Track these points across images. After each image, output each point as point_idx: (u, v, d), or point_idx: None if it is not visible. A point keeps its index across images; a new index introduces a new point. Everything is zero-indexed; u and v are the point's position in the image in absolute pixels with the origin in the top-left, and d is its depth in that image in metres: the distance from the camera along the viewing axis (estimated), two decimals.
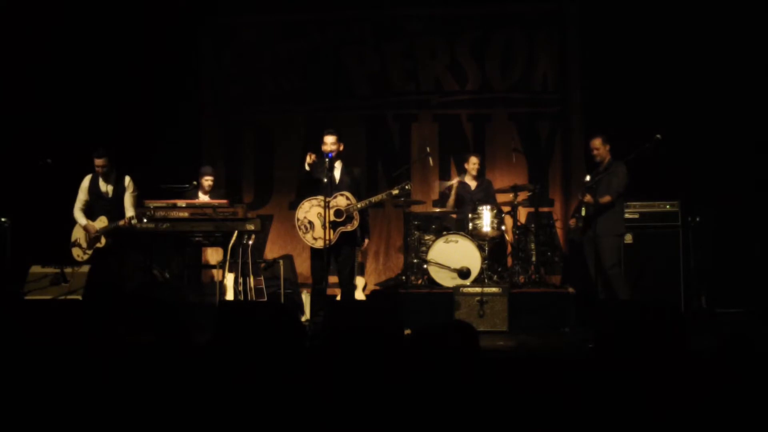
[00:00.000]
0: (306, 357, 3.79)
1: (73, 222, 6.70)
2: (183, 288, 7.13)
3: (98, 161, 6.56)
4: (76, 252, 6.68)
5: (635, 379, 2.82)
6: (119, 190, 6.64)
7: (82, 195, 6.68)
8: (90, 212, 6.67)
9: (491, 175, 8.13)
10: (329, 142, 6.03)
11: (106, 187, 6.65)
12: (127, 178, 6.68)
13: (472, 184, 7.72)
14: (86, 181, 6.68)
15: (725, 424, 2.58)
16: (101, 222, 6.56)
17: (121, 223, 6.43)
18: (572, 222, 6.60)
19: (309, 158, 5.98)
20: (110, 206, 6.60)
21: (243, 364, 3.19)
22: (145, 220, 6.22)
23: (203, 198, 7.20)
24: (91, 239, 6.59)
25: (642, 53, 7.66)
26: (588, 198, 6.20)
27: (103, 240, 6.56)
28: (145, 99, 8.18)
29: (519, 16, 8.55)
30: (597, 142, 6.42)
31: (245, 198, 8.67)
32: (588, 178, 6.38)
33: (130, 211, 6.56)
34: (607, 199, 6.19)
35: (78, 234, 6.69)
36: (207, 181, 7.35)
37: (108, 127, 7.78)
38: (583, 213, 6.26)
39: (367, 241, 7.00)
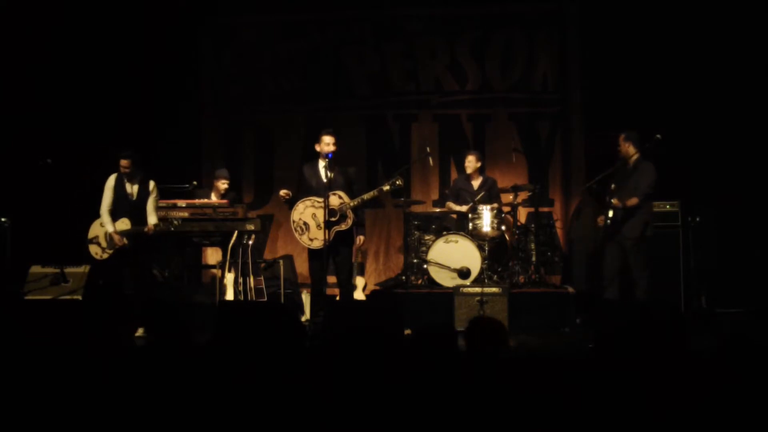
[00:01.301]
0: (306, 357, 3.79)
1: (86, 219, 6.58)
2: (183, 288, 7.14)
3: (123, 162, 6.39)
4: (94, 249, 6.55)
5: (635, 379, 2.82)
6: (143, 193, 6.50)
7: (109, 194, 6.46)
8: (113, 213, 6.49)
9: (491, 175, 8.13)
10: (331, 142, 6.03)
11: (131, 189, 6.48)
12: (152, 183, 6.54)
13: (474, 183, 7.71)
14: (112, 180, 6.48)
15: (725, 424, 2.58)
16: (123, 224, 6.42)
17: (146, 229, 6.34)
18: (600, 220, 6.44)
19: (284, 194, 6.09)
20: (132, 208, 6.45)
21: (243, 364, 3.19)
22: (172, 229, 6.21)
23: (215, 200, 7.19)
24: (111, 240, 6.45)
25: (642, 53, 7.66)
26: (615, 201, 6.09)
27: (125, 242, 6.42)
28: (145, 99, 8.18)
29: (519, 16, 8.54)
30: (619, 139, 6.31)
31: (245, 198, 8.67)
32: (613, 186, 6.23)
33: (152, 217, 6.46)
34: (633, 201, 6.07)
35: (97, 231, 6.54)
36: (223, 184, 7.31)
37: (108, 127, 7.78)
38: (611, 214, 6.16)
39: (361, 238, 6.73)
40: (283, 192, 6.16)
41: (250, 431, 2.72)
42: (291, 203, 6.11)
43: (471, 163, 7.64)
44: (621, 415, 2.64)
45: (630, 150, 6.23)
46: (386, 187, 6.06)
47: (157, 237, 6.41)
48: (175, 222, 6.31)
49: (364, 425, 2.66)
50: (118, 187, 6.47)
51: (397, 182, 6.06)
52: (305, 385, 2.85)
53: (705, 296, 7.20)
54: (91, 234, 6.59)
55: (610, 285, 6.17)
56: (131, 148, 6.50)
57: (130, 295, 6.27)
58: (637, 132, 6.31)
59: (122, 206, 6.47)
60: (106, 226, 6.45)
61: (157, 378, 2.91)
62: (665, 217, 7.22)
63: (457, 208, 7.56)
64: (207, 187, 7.65)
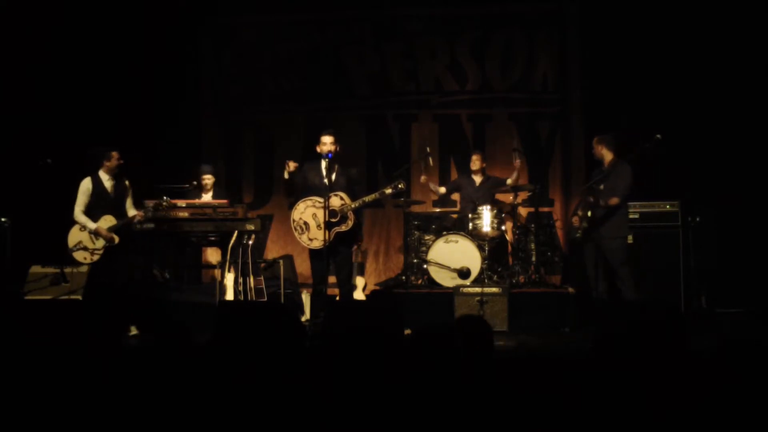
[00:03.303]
0: (306, 357, 3.79)
1: (69, 226, 6.53)
2: (183, 288, 7.14)
3: (116, 154, 6.49)
4: (82, 255, 6.46)
5: (635, 379, 2.82)
6: (121, 189, 6.57)
7: (84, 198, 6.45)
8: (88, 214, 6.47)
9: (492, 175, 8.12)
10: (328, 142, 6.01)
11: (110, 186, 6.52)
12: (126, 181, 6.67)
13: (477, 180, 7.72)
14: (88, 183, 6.47)
15: (725, 424, 2.59)
16: (107, 221, 6.40)
17: (137, 218, 6.40)
18: (575, 220, 6.51)
19: (289, 166, 5.93)
20: (112, 205, 6.49)
21: (243, 364, 3.19)
22: (163, 205, 6.30)
23: (206, 197, 7.18)
24: (96, 240, 6.43)
25: (642, 53, 7.66)
26: (591, 199, 6.16)
27: (115, 238, 6.41)
28: (145, 99, 8.18)
29: (519, 16, 8.56)
30: (593, 142, 6.46)
31: (245, 198, 8.67)
32: (602, 186, 6.29)
33: (132, 210, 6.54)
34: (615, 201, 6.15)
35: (79, 237, 6.48)
36: (206, 179, 7.30)
37: (108, 127, 7.77)
38: (589, 214, 6.20)
39: (356, 246, 6.58)
40: (291, 167, 5.96)
41: (250, 431, 2.72)
42: (291, 195, 6.07)
43: (476, 161, 7.72)
44: (621, 415, 2.64)
45: (604, 152, 6.36)
46: (388, 190, 6.06)
47: (141, 233, 6.41)
48: (164, 203, 6.32)
49: (364, 425, 2.66)
50: (97, 187, 6.47)
51: (399, 185, 6.06)
52: (305, 385, 2.85)
53: (705, 296, 7.20)
54: (71, 242, 6.48)
55: (597, 285, 6.20)
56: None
57: (127, 292, 6.30)
58: (611, 135, 6.40)
59: (100, 205, 6.46)
60: (87, 225, 6.41)
61: (158, 378, 2.91)
62: (665, 217, 7.22)
63: (435, 188, 7.84)
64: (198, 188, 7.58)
